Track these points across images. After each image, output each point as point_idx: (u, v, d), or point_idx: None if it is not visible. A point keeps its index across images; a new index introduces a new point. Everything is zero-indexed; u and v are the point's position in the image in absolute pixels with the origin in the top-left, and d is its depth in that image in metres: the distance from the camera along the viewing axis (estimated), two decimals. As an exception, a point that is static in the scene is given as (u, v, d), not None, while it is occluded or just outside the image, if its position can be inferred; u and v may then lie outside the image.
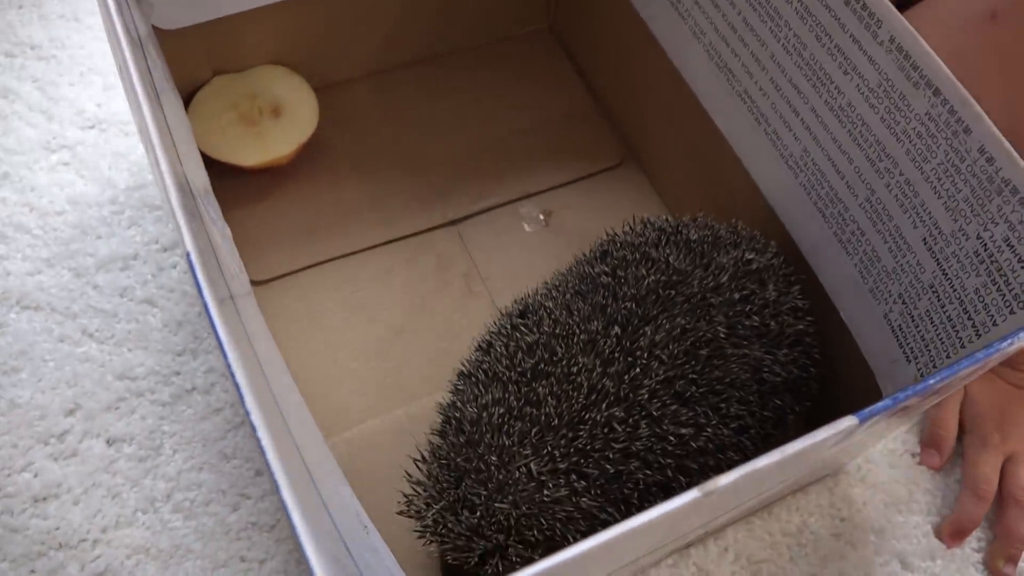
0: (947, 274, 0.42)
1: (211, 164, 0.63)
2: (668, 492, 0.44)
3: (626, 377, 0.44)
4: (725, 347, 0.46)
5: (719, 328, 0.46)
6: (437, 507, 0.44)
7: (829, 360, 0.51)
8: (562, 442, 0.43)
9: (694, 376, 0.45)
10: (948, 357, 0.42)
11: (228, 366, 0.30)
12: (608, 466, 0.43)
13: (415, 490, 0.46)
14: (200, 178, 0.50)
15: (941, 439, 0.60)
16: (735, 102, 0.55)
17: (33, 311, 0.60)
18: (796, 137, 0.51)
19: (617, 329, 0.46)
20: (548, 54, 0.76)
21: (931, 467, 0.60)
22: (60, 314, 0.60)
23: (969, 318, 0.41)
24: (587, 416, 0.43)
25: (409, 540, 0.48)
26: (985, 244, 0.40)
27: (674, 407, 0.44)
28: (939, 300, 0.43)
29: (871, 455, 0.61)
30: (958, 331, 0.42)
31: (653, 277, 0.48)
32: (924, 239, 0.43)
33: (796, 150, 0.51)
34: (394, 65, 0.72)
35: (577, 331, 0.46)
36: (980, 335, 0.40)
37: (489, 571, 0.43)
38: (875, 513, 0.59)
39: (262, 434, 0.28)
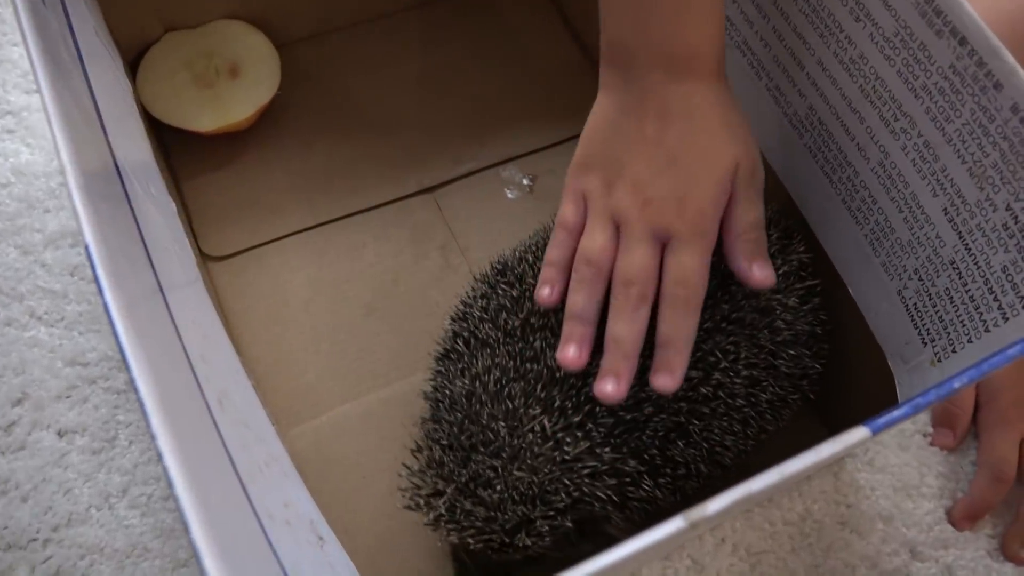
0: (970, 249, 0.37)
1: (164, 130, 0.58)
2: (685, 436, 0.41)
3: None
4: (731, 281, 0.43)
5: (723, 262, 0.42)
6: (449, 492, 0.40)
7: (835, 339, 0.47)
8: (571, 392, 0.40)
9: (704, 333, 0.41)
10: (970, 341, 0.38)
11: (132, 380, 0.26)
12: (623, 413, 0.40)
13: (414, 483, 0.43)
14: (138, 151, 0.45)
15: (955, 417, 0.56)
16: (732, 54, 0.49)
17: (-25, 293, 0.56)
18: (801, 93, 0.45)
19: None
20: (534, 5, 0.70)
21: (944, 448, 0.56)
22: (5, 295, 0.56)
23: (995, 299, 0.36)
24: (593, 363, 0.40)
25: (391, 532, 0.44)
26: (1015, 216, 0.35)
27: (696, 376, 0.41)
28: (960, 277, 0.38)
29: (879, 436, 0.56)
30: (982, 313, 0.37)
31: None
32: (945, 209, 0.38)
33: (800, 107, 0.46)
34: (365, 18, 0.67)
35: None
36: (1008, 318, 0.36)
37: (520, 546, 0.40)
38: (883, 499, 0.55)
39: (170, 462, 0.24)
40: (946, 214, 0.38)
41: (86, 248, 0.27)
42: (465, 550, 0.43)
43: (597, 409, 0.40)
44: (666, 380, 0.38)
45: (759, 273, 0.40)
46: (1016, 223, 0.35)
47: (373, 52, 0.66)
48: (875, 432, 0.26)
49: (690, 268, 0.39)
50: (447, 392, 0.43)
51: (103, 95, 0.42)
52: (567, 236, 0.42)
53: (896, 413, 0.26)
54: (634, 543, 0.24)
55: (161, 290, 0.35)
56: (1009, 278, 0.36)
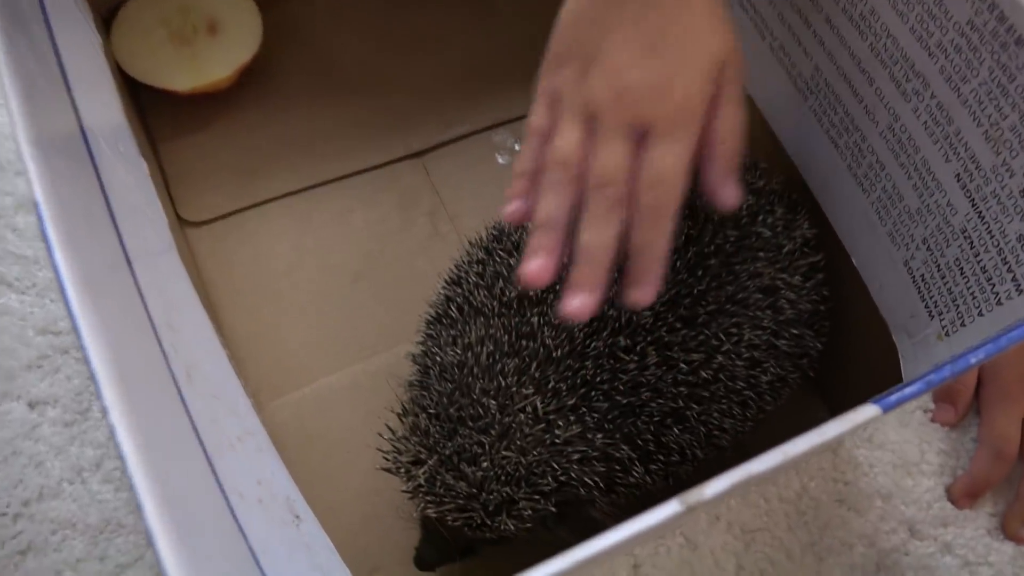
0: (984, 217, 0.35)
1: (140, 89, 0.56)
2: (682, 422, 0.40)
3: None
4: (734, 261, 0.41)
5: (729, 234, 0.41)
6: (431, 462, 0.39)
7: (836, 313, 0.45)
8: (567, 374, 0.38)
9: (701, 289, 0.40)
10: (980, 315, 0.36)
11: (83, 349, 0.24)
12: (619, 398, 0.38)
13: (395, 447, 0.41)
14: (108, 111, 0.43)
15: (957, 393, 0.55)
16: (734, 11, 0.47)
17: (-57, 258, 0.53)
18: (807, 53, 0.43)
19: None
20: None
21: (945, 424, 0.55)
22: (-26, 261, 0.54)
23: (1009, 270, 0.34)
24: (590, 344, 0.39)
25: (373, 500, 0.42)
26: (1034, 182, 0.33)
27: (684, 331, 0.39)
28: (972, 247, 0.36)
29: (879, 412, 0.55)
30: (994, 285, 0.35)
31: None
32: (957, 175, 0.36)
33: (806, 68, 0.43)
34: (351, -26, 0.64)
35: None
36: (1022, 290, 0.34)
37: (499, 527, 0.38)
38: (882, 476, 0.53)
39: (123, 438, 0.22)
40: (959, 180, 0.36)
41: (36, 207, 0.25)
42: (430, 524, 0.41)
43: (592, 393, 0.38)
44: (641, 292, 0.34)
45: (730, 192, 0.36)
46: (1034, 190, 0.33)
47: (360, 10, 0.63)
48: (886, 410, 0.24)
49: (668, 166, 0.34)
50: (437, 359, 0.41)
51: (70, 52, 0.39)
52: (540, 142, 0.36)
53: (908, 390, 0.24)
54: (628, 527, 0.23)
55: (127, 257, 0.33)
56: (1025, 248, 0.34)
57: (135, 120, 0.51)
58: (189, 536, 0.22)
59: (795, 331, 0.43)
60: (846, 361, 0.48)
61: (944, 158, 0.37)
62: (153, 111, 0.57)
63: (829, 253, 0.45)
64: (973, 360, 0.25)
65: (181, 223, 0.54)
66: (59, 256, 0.25)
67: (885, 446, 0.54)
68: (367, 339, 0.53)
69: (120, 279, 0.30)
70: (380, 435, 0.42)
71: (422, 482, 0.39)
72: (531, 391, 0.38)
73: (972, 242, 0.36)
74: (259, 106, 0.58)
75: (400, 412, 0.42)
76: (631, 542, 0.24)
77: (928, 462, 0.54)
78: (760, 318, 0.41)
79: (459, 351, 0.41)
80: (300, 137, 0.58)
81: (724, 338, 0.40)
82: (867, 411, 0.24)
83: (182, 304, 0.39)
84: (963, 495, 0.52)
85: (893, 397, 0.24)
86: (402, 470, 0.40)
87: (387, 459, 0.41)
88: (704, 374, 0.40)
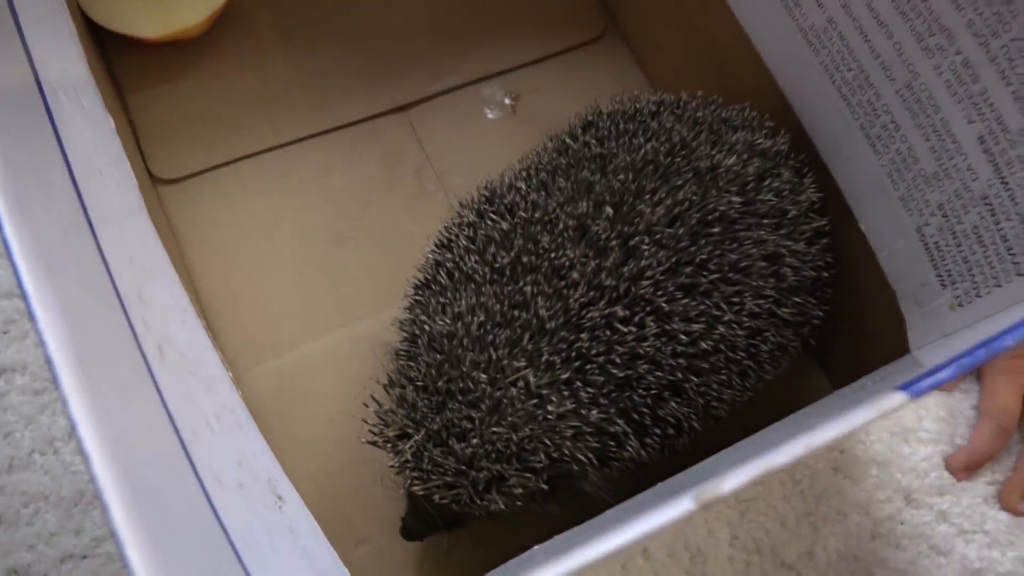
0: (1007, 183, 0.33)
1: (106, 37, 0.52)
2: (680, 394, 0.38)
3: (624, 270, 0.37)
4: (738, 227, 0.39)
5: (734, 200, 0.39)
6: (418, 437, 0.37)
7: (840, 281, 0.43)
8: (561, 347, 0.37)
9: (703, 258, 0.38)
10: (998, 286, 0.34)
11: (39, 333, 0.21)
12: (615, 371, 0.37)
13: (382, 419, 0.39)
14: (68, 60, 0.40)
15: None
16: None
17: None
18: (819, 3, 0.40)
19: (609, 210, 0.38)
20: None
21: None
22: (-68, 220, 0.51)
23: (1032, 240, 0.33)
24: (586, 315, 0.37)
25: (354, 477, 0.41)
26: (1064, 147, 0.31)
27: (685, 300, 0.38)
28: (993, 214, 0.34)
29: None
30: (1014, 255, 0.33)
31: (652, 144, 0.40)
32: (981, 137, 0.34)
33: (818, 19, 0.41)
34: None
35: (562, 215, 0.39)
36: (1044, 261, 0.32)
37: (490, 505, 0.37)
38: (878, 444, 0.52)
39: (86, 434, 0.20)
40: (982, 143, 0.34)
41: (-20, 173, 0.23)
42: (424, 497, 0.40)
43: (587, 366, 0.36)
44: None
45: None
46: (1064, 155, 0.31)
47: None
48: (914, 397, 0.23)
49: None
50: (426, 328, 0.39)
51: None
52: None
53: (941, 375, 0.23)
54: (641, 526, 0.21)
55: (89, 221, 0.30)
56: (1050, 217, 0.32)
57: (100, 70, 0.47)
58: (161, 539, 0.20)
59: (797, 299, 0.41)
60: (848, 329, 0.46)
61: (967, 119, 0.34)
62: (120, 60, 0.53)
63: (835, 217, 0.43)
64: (1010, 342, 0.24)
65: (153, 181, 0.51)
66: (8, 227, 0.22)
67: (883, 413, 0.53)
68: (351, 304, 0.51)
69: (81, 248, 0.28)
70: (365, 405, 0.40)
71: (409, 457, 0.37)
72: (523, 364, 0.36)
73: (993, 209, 0.34)
74: (233, 55, 0.55)
75: (386, 383, 0.40)
76: (642, 540, 0.22)
77: (925, 429, 0.53)
78: (763, 287, 0.39)
79: (448, 320, 0.39)
80: (277, 88, 0.55)
81: (725, 307, 0.38)
82: (895, 399, 0.22)
83: (154, 271, 0.36)
84: (962, 468, 0.52)
85: (925, 383, 0.22)
86: (388, 444, 0.38)
87: (373, 432, 0.39)
88: (704, 345, 0.38)
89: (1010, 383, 0.52)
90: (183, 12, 0.52)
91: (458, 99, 0.57)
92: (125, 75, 0.53)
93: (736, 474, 0.21)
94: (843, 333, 0.46)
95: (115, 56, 0.53)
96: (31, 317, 0.21)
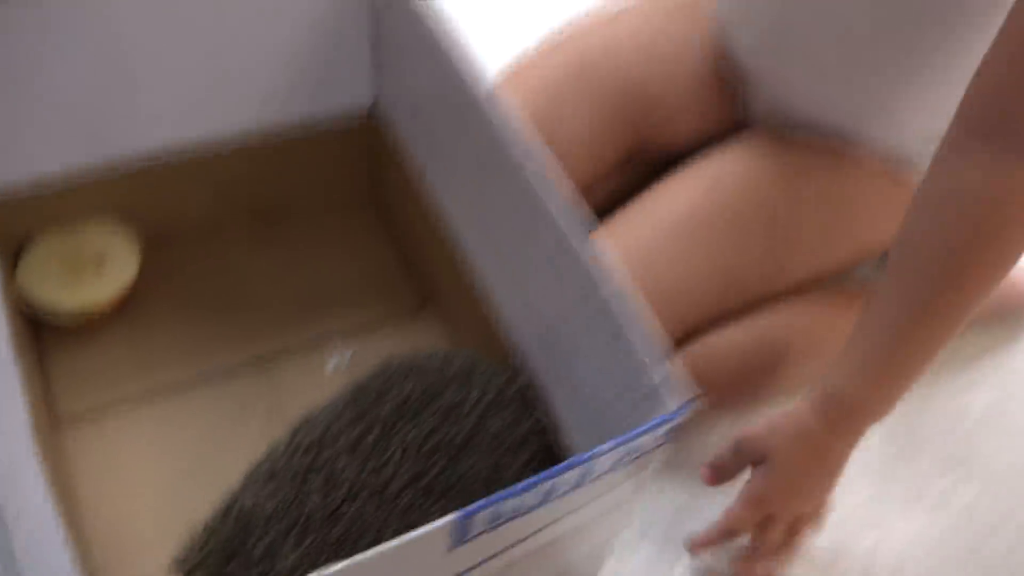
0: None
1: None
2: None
3: (379, 473, 0.52)
4: (462, 454, 0.54)
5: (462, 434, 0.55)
6: None
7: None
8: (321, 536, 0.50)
9: (438, 472, 0.53)
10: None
11: None
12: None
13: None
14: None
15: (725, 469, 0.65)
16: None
17: None
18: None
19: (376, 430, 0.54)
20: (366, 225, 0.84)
21: (707, 484, 0.65)
22: None
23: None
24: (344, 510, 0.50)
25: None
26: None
27: (424, 504, 0.52)
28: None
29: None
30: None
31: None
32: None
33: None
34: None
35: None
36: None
37: None
38: None
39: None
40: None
41: None
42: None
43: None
44: None
45: None
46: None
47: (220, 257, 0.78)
48: (462, 519, 0.37)
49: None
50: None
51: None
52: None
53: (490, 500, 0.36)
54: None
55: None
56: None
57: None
58: None
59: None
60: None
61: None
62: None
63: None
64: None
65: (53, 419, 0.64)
66: None
67: None
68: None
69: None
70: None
71: None
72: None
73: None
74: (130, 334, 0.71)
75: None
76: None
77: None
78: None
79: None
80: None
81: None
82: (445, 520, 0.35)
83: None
84: (700, 543, 0.66)
85: (472, 507, 0.35)
86: None
87: None
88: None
89: (745, 513, 0.63)
90: (95, 292, 0.69)
91: (305, 356, 0.73)
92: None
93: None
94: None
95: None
96: None
